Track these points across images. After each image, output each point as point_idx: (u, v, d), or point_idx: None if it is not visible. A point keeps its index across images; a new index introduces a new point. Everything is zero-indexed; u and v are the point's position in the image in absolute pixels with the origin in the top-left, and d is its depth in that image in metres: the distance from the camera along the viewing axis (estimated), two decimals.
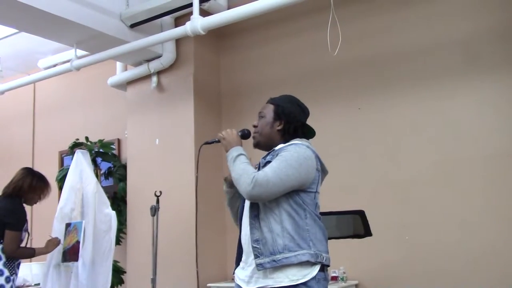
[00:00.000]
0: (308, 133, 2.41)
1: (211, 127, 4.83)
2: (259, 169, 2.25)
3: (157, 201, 3.77)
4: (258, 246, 2.15)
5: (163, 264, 4.10)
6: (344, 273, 3.96)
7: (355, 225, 2.90)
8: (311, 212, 2.19)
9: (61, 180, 4.81)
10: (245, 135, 2.42)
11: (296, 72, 4.55)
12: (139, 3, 4.48)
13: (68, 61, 4.86)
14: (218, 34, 4.88)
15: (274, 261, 2.09)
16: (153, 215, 3.74)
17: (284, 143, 2.32)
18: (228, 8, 4.48)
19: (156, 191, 3.78)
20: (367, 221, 2.80)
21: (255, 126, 2.40)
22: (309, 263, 2.10)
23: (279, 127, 2.34)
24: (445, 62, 3.87)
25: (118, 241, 4.65)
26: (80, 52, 4.81)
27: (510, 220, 3.49)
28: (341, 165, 4.20)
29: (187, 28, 3.98)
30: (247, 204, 2.28)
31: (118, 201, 5.01)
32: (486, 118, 3.68)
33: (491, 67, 3.69)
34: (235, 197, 2.47)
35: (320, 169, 2.27)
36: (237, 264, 2.32)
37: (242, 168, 2.16)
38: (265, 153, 2.40)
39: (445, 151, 3.79)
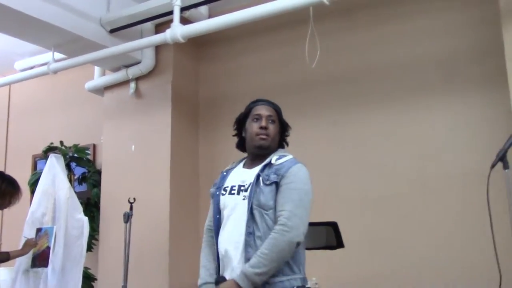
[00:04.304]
0: None
1: (188, 135, 4.83)
2: (256, 183, 2.19)
3: (131, 208, 3.75)
4: None
5: (135, 272, 4.06)
6: (316, 284, 3.98)
7: (328, 236, 2.92)
8: None
9: (33, 184, 4.74)
10: (218, 282, 2.20)
11: (274, 83, 4.57)
12: (119, 9, 4.47)
13: (45, 63, 4.81)
14: (198, 43, 4.89)
15: (268, 283, 2.07)
16: (126, 222, 3.71)
17: (274, 151, 2.33)
18: (209, 17, 4.52)
19: (130, 198, 3.75)
20: (339, 232, 2.83)
21: (266, 128, 2.31)
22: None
23: (279, 136, 2.38)
24: (421, 79, 3.94)
25: (90, 248, 4.60)
26: (58, 55, 4.76)
27: (486, 237, 3.52)
28: (316, 178, 4.20)
29: (167, 35, 3.98)
30: (238, 217, 2.20)
31: (91, 207, 4.95)
32: (461, 136, 3.74)
33: (466, 85, 3.77)
34: None
35: None
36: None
37: (266, 253, 2.03)
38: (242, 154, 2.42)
39: (421, 167, 3.83)
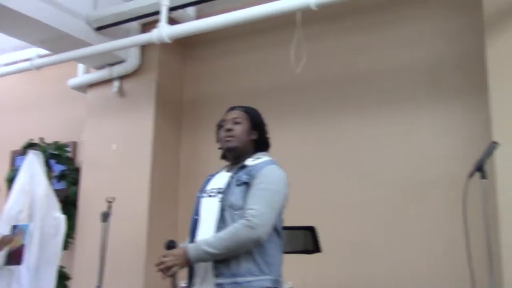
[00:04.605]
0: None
1: (170, 135, 4.80)
2: (229, 184, 2.22)
3: (109, 207, 3.70)
4: (220, 266, 2.11)
5: (111, 272, 4.00)
6: None
7: (306, 240, 2.92)
8: (276, 235, 2.20)
9: (11, 181, 4.67)
10: (170, 247, 2.22)
11: (259, 86, 4.58)
12: (106, 7, 4.45)
13: (29, 59, 4.76)
14: (185, 43, 4.88)
15: (235, 283, 2.07)
16: (103, 221, 3.67)
17: (252, 154, 2.33)
18: (197, 18, 4.50)
19: (108, 197, 3.71)
20: (317, 237, 2.83)
21: (230, 130, 2.34)
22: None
23: (254, 137, 2.36)
24: (406, 85, 3.97)
25: (66, 246, 4.53)
26: (42, 51, 4.72)
27: (463, 244, 3.53)
28: (299, 182, 4.17)
29: (153, 35, 3.97)
30: (211, 217, 2.21)
31: (69, 205, 4.87)
32: (444, 142, 3.77)
33: (447, 93, 3.81)
34: None
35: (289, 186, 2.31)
36: (190, 278, 2.25)
37: (223, 238, 2.06)
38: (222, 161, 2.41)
39: (404, 172, 3.85)
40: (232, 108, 2.45)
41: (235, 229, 2.06)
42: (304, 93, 4.36)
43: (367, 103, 4.10)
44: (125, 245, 4.38)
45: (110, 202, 3.72)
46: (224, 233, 2.07)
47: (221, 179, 2.34)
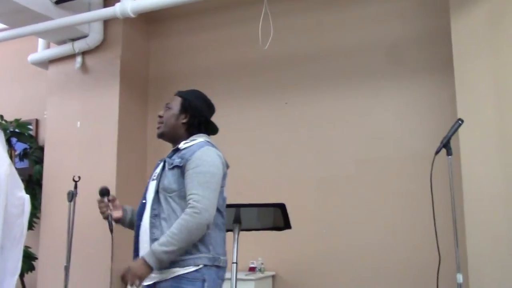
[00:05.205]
0: (211, 129, 2.44)
1: (136, 112, 4.73)
2: (164, 167, 2.27)
3: (75, 187, 3.64)
4: None
5: (78, 252, 3.96)
6: (262, 264, 4.02)
7: (275, 217, 2.95)
8: (217, 215, 2.21)
9: None
10: (103, 192, 2.36)
11: (225, 63, 4.54)
12: None
13: None
14: (149, 19, 4.78)
15: (172, 262, 2.10)
16: (70, 200, 3.60)
17: (187, 137, 2.34)
18: None
19: (74, 176, 3.65)
20: (287, 214, 2.86)
21: (160, 117, 2.39)
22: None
23: (184, 120, 2.36)
24: (370, 63, 4.01)
25: (31, 226, 4.46)
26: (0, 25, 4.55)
27: (428, 219, 3.64)
28: (266, 159, 4.25)
29: (116, 9, 3.87)
30: (148, 200, 2.27)
31: (33, 184, 4.80)
32: (407, 120, 3.85)
33: (413, 71, 3.87)
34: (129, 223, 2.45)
35: (225, 164, 2.31)
36: (135, 257, 2.28)
37: (175, 233, 2.06)
38: (168, 145, 2.41)
39: (368, 149, 3.93)
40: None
41: (184, 220, 2.08)
42: (271, 70, 4.35)
43: (333, 80, 4.13)
44: (92, 224, 4.30)
45: (76, 181, 3.65)
46: (174, 227, 2.09)
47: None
